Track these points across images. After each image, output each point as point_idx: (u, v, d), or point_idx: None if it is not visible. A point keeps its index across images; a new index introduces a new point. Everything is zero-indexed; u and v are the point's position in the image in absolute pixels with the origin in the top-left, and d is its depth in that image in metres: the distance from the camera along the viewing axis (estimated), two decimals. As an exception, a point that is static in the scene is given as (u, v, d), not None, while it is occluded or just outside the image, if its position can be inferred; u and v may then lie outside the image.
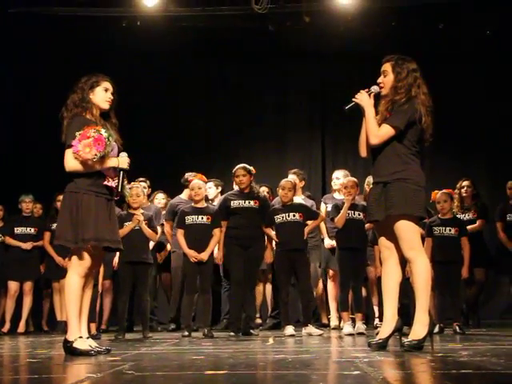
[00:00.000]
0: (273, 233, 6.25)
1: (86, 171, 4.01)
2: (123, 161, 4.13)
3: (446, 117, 7.70)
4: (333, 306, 7.03)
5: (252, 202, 6.33)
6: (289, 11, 8.86)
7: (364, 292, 6.96)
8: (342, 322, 6.62)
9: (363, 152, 4.18)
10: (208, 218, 6.26)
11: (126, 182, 4.26)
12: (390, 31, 9.04)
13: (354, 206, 6.25)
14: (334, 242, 6.70)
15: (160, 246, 7.40)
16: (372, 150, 4.10)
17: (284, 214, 6.20)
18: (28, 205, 7.89)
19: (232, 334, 6.06)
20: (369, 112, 4.07)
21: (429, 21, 9.04)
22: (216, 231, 6.26)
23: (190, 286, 6.28)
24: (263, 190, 7.30)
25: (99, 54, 9.10)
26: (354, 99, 4.12)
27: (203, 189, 6.47)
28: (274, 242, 6.37)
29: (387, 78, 4.10)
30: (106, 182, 4.08)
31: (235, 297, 6.27)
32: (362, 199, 6.72)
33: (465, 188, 7.38)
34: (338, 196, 7.13)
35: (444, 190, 6.53)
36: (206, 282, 6.23)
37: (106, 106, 4.19)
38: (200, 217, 6.26)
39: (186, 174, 7.25)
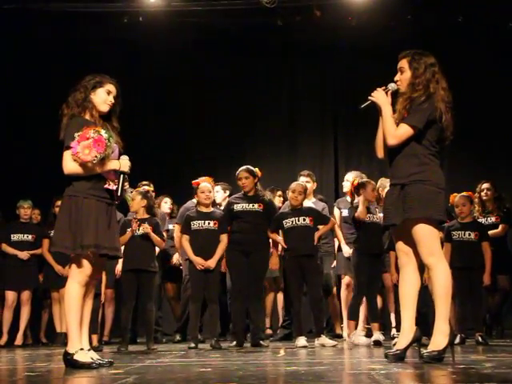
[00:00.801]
0: (279, 238, 6.25)
1: (86, 174, 3.98)
2: (124, 164, 4.11)
3: (466, 114, 7.63)
4: (346, 315, 7.00)
5: (256, 206, 6.30)
6: (299, 5, 8.86)
7: (379, 300, 6.92)
8: (347, 330, 6.60)
9: (380, 153, 4.16)
10: (215, 223, 6.26)
11: (126, 186, 4.24)
12: (406, 25, 9.01)
13: (373, 210, 6.28)
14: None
15: (164, 252, 7.38)
16: (389, 151, 4.09)
17: (293, 219, 6.20)
18: (26, 211, 7.87)
19: (233, 344, 6.14)
20: (386, 111, 4.05)
21: (447, 13, 9.00)
22: (223, 237, 6.26)
23: (195, 294, 6.27)
24: (280, 195, 7.33)
25: (100, 51, 9.14)
26: (369, 97, 4.11)
27: (212, 192, 6.47)
28: (279, 248, 6.36)
29: (404, 74, 4.08)
30: (106, 186, 4.06)
31: (236, 307, 6.27)
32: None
33: (485, 191, 7.33)
34: (350, 200, 7.11)
35: (463, 193, 6.51)
36: (212, 291, 6.23)
37: (104, 108, 4.14)
38: (206, 222, 6.27)
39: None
